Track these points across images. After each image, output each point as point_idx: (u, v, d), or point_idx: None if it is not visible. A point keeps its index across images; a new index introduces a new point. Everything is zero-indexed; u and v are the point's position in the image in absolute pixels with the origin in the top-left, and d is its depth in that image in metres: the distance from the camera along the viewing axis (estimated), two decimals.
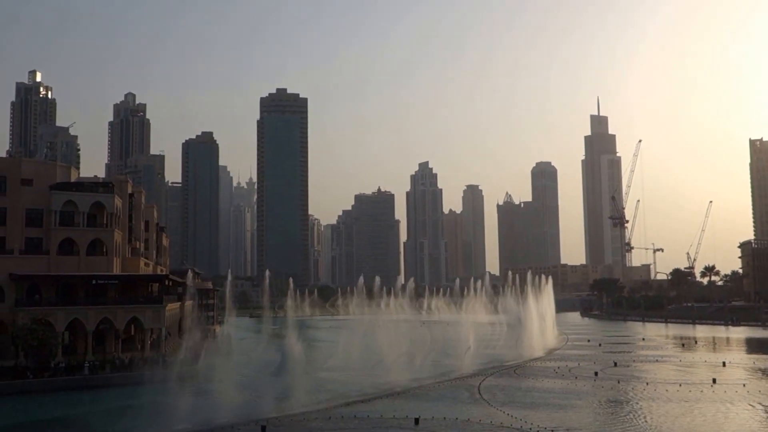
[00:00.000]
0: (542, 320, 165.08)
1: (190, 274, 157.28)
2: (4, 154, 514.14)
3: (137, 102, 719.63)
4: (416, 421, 64.17)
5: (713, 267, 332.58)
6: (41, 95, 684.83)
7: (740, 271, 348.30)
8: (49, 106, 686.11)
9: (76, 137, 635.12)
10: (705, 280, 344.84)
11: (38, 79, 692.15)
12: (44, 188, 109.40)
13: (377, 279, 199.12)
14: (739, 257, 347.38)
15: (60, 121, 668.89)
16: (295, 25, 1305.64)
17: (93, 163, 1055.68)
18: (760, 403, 76.27)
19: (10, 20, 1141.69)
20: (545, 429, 60.93)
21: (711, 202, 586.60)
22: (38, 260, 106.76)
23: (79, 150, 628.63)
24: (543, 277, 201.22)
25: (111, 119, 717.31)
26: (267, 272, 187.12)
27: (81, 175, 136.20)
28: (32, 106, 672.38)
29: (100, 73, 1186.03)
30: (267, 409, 71.73)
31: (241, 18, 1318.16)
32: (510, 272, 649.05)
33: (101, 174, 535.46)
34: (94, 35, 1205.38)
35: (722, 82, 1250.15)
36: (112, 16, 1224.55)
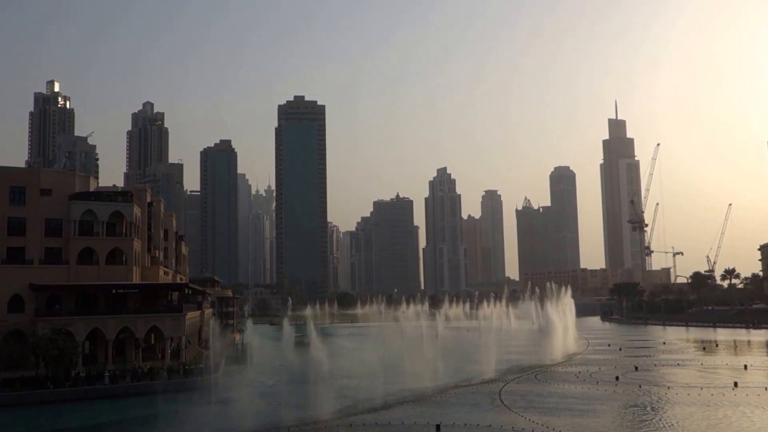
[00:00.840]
0: (562, 325, 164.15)
1: (209, 282, 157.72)
2: (23, 165, 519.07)
3: (155, 111, 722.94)
4: (437, 427, 63.83)
5: (733, 270, 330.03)
6: (59, 105, 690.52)
7: (761, 273, 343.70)
8: (68, 116, 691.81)
9: (94, 147, 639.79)
10: (725, 283, 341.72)
11: (56, 89, 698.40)
12: (63, 198, 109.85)
13: (396, 286, 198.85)
14: (760, 260, 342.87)
15: (78, 131, 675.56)
16: (313, 32, 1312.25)
17: (112, 172, 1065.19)
18: None
19: (28, 31, 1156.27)
20: None
21: (730, 204, 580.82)
22: (58, 270, 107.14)
23: (97, 159, 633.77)
24: (562, 281, 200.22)
25: (129, 128, 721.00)
26: (286, 280, 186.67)
27: (100, 185, 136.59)
28: (50, 116, 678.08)
29: (118, 82, 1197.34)
30: (289, 416, 71.60)
31: (257, 27, 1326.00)
32: (530, 278, 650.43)
33: (120, 183, 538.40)
34: (111, 45, 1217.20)
35: (740, 84, 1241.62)
36: (129, 26, 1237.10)
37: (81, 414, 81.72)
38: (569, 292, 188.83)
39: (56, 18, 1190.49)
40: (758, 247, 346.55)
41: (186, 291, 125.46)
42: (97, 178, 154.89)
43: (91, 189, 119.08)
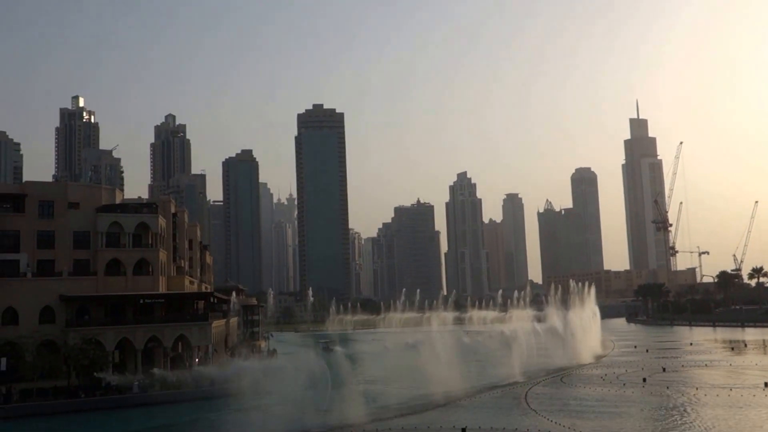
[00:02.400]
0: (588, 327, 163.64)
1: (234, 291, 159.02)
2: (50, 179, 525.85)
3: (177, 123, 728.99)
4: (463, 430, 63.98)
5: (761, 268, 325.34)
6: (84, 120, 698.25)
7: None
8: (92, 130, 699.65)
9: (119, 160, 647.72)
10: (753, 282, 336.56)
11: (81, 104, 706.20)
12: (90, 211, 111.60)
13: (418, 292, 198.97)
14: None
15: (103, 145, 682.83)
16: (329, 40, 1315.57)
17: (136, 184, 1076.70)
18: None
19: (52, 48, 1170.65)
20: None
21: (757, 202, 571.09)
22: (87, 281, 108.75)
23: (122, 172, 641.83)
24: (586, 284, 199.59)
25: (152, 141, 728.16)
26: (310, 288, 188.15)
27: (125, 197, 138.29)
28: (76, 131, 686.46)
29: (141, 96, 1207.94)
30: (315, 422, 72.16)
31: (275, 37, 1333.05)
32: (553, 281, 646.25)
33: (144, 195, 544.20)
34: (133, 59, 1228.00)
35: (762, 79, 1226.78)
36: (149, 40, 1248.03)
37: (113, 422, 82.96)
38: (593, 292, 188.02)
39: (79, 34, 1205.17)
40: None
41: (211, 300, 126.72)
42: (122, 190, 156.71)
43: (117, 201, 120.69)
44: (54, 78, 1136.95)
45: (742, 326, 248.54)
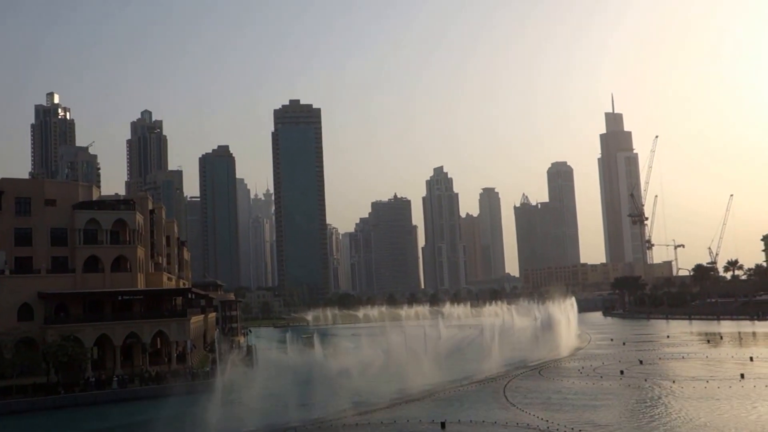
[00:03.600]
0: (564, 320, 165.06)
1: (212, 287, 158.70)
2: (26, 176, 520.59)
3: (153, 119, 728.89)
4: (443, 424, 64.60)
5: (736, 261, 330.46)
6: (60, 116, 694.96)
7: (764, 264, 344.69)
8: (68, 127, 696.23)
9: (95, 156, 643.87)
10: (728, 275, 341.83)
11: (56, 101, 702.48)
12: (67, 208, 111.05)
13: (396, 286, 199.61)
14: (763, 250, 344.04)
15: (79, 142, 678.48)
16: (305, 36, 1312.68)
17: (113, 181, 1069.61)
18: None
19: (27, 44, 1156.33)
20: (572, 429, 61.02)
21: (732, 195, 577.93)
22: (65, 278, 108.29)
23: (99, 169, 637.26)
24: (563, 277, 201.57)
25: (129, 137, 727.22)
26: (288, 283, 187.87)
27: (102, 194, 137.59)
28: (52, 128, 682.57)
29: (117, 92, 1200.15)
30: (294, 416, 72.41)
31: (251, 33, 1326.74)
32: (529, 274, 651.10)
33: (121, 191, 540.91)
34: (109, 56, 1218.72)
35: (739, 74, 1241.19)
36: (125, 36, 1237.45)
37: (92, 418, 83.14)
38: (570, 286, 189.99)
39: (53, 30, 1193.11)
40: (761, 237, 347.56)
41: (190, 296, 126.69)
42: (99, 187, 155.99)
43: (94, 198, 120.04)
44: (29, 75, 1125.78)
45: (718, 319, 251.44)
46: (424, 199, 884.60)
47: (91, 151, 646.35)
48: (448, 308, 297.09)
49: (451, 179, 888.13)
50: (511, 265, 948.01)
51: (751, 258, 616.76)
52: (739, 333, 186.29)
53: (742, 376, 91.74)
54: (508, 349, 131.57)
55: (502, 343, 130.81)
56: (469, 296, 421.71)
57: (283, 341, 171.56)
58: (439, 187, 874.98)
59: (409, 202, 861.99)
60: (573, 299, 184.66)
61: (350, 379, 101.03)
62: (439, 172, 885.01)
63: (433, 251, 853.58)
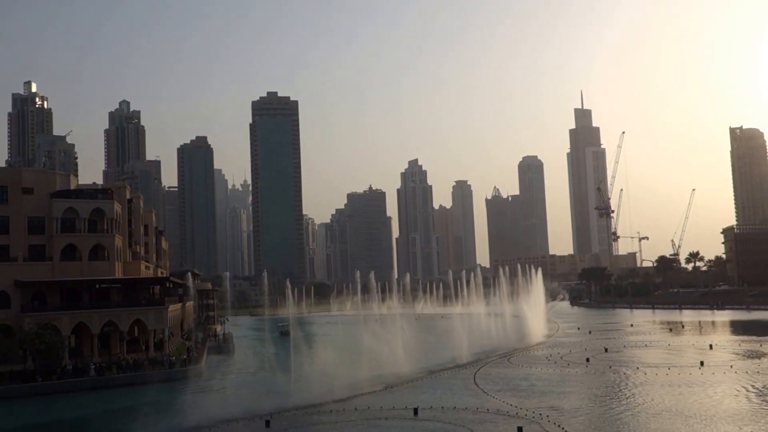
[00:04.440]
0: (533, 309, 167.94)
1: (189, 275, 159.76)
2: (3, 164, 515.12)
3: (132, 109, 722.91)
4: (415, 411, 65.90)
5: (697, 253, 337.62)
6: (37, 105, 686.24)
7: (724, 256, 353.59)
8: (46, 115, 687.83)
9: (73, 145, 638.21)
10: (690, 266, 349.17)
11: (34, 89, 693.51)
12: (45, 196, 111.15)
13: (372, 275, 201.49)
14: (723, 243, 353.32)
15: (57, 131, 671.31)
16: (286, 29, 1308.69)
17: (90, 170, 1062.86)
18: (747, 384, 78.57)
19: (4, 33, 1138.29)
20: (540, 415, 62.49)
21: (694, 190, 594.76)
22: (42, 267, 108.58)
23: (76, 158, 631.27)
24: (532, 267, 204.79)
25: (107, 127, 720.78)
26: (264, 272, 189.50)
27: (80, 183, 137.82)
28: (29, 117, 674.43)
29: (95, 81, 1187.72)
30: (270, 404, 73.08)
31: (231, 25, 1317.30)
32: (500, 264, 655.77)
33: (99, 181, 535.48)
34: (87, 45, 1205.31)
35: (703, 72, 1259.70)
36: (104, 26, 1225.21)
37: (69, 406, 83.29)
38: (540, 276, 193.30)
39: (32, 19, 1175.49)
40: (721, 230, 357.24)
41: (167, 284, 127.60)
42: (76, 176, 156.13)
43: (72, 187, 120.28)
44: (5, 63, 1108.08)
45: (680, 308, 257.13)
46: (398, 191, 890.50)
47: (68, 140, 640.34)
48: (421, 296, 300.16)
49: (425, 172, 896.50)
50: (482, 256, 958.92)
51: (711, 250, 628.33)
52: (700, 322, 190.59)
53: (702, 363, 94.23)
54: (477, 337, 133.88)
55: (471, 331, 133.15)
56: (441, 286, 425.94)
57: (259, 329, 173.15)
58: (414, 179, 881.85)
59: (384, 193, 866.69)
60: (542, 290, 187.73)
61: (323, 366, 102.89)
62: (414, 164, 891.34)
63: (407, 242, 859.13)
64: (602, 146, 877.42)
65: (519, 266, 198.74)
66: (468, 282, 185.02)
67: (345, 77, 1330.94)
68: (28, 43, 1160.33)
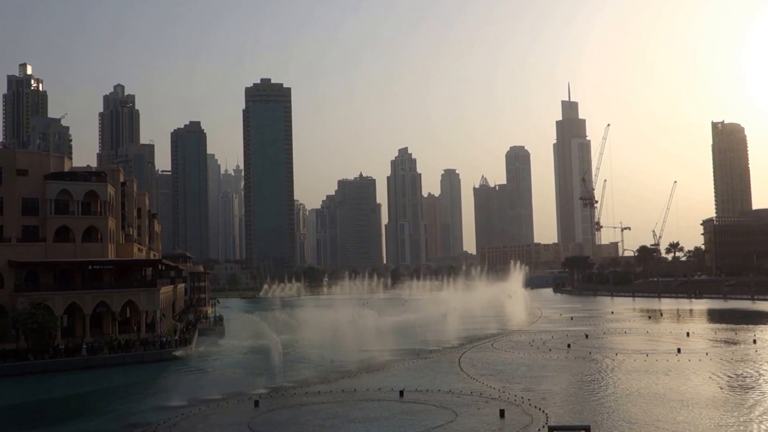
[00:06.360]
0: (517, 296, 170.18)
1: (181, 260, 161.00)
2: None
3: (126, 93, 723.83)
4: (401, 393, 67.29)
5: (677, 244, 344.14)
6: (32, 88, 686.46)
7: (703, 247, 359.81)
8: (41, 98, 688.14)
9: (67, 128, 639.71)
10: (670, 256, 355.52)
11: (29, 71, 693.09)
12: (39, 178, 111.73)
13: (359, 262, 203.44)
14: (702, 234, 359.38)
15: (52, 113, 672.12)
16: (279, 16, 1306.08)
17: (84, 153, 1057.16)
18: (721, 371, 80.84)
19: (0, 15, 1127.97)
20: (521, 398, 64.08)
21: (675, 182, 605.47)
22: (36, 247, 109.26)
23: (71, 140, 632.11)
24: (517, 255, 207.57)
25: (101, 110, 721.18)
26: (255, 256, 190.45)
27: (74, 165, 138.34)
28: (24, 99, 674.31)
29: (90, 65, 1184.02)
30: (259, 384, 74.77)
31: (226, 11, 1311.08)
32: (486, 251, 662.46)
33: (93, 163, 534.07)
34: (83, 28, 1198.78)
35: (687, 67, 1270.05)
36: (100, 10, 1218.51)
37: (61, 384, 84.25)
38: (523, 265, 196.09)
39: (28, 2, 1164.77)
40: (700, 222, 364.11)
41: (159, 267, 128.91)
42: (71, 158, 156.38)
43: (66, 169, 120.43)
44: (1, 45, 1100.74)
45: (659, 297, 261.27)
46: (388, 178, 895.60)
47: (63, 122, 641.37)
48: (408, 283, 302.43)
49: (415, 160, 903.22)
50: (469, 243, 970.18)
51: (691, 241, 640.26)
52: (678, 310, 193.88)
53: (679, 350, 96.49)
54: (462, 322, 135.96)
55: (457, 317, 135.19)
56: (428, 272, 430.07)
57: (250, 312, 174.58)
58: (404, 167, 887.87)
59: (374, 180, 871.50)
60: (525, 274, 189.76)
61: (314, 349, 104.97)
62: (403, 153, 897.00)
63: (396, 228, 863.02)
64: (588, 138, 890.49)
65: (504, 254, 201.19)
66: (454, 269, 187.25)
67: (337, 65, 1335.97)
68: (23, 26, 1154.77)
